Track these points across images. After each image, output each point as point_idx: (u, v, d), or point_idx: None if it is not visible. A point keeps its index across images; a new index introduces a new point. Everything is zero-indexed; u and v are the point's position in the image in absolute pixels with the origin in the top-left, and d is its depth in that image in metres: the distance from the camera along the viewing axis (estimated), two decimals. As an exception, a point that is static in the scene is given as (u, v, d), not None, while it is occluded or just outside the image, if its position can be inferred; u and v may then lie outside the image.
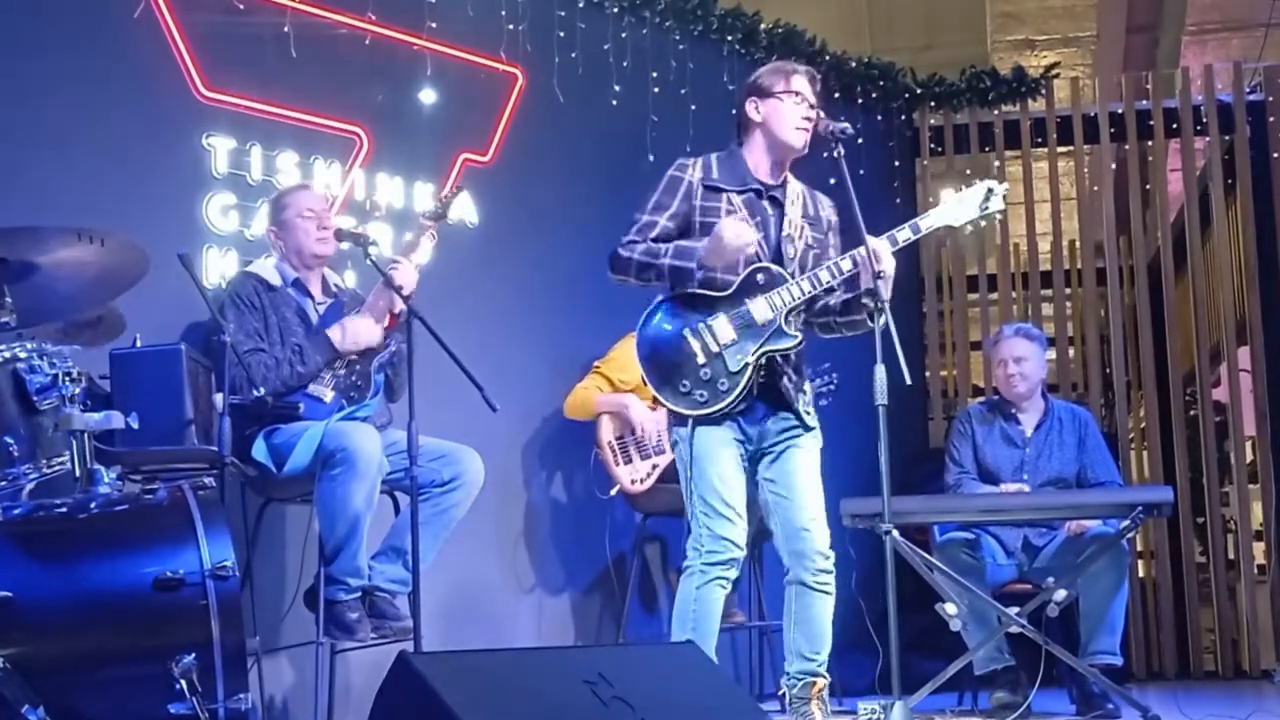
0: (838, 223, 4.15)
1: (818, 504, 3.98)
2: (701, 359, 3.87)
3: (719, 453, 3.88)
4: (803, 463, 3.99)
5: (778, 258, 3.98)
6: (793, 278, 3.94)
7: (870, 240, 3.86)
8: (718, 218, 3.92)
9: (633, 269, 3.94)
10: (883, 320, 3.72)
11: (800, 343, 3.95)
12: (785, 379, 3.96)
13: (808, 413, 4.00)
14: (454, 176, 5.49)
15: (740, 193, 3.99)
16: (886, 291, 3.85)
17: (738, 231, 3.83)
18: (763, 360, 3.91)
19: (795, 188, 4.08)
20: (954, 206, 4.06)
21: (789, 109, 3.98)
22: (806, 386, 4.04)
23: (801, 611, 3.96)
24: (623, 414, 5.41)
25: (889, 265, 3.87)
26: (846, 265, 3.90)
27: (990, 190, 4.06)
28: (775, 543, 4.02)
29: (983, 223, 4.11)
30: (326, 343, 4.40)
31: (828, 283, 3.91)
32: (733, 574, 3.90)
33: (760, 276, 3.94)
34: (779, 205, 4.03)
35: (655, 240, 3.95)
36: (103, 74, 4.59)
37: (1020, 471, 5.28)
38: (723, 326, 3.89)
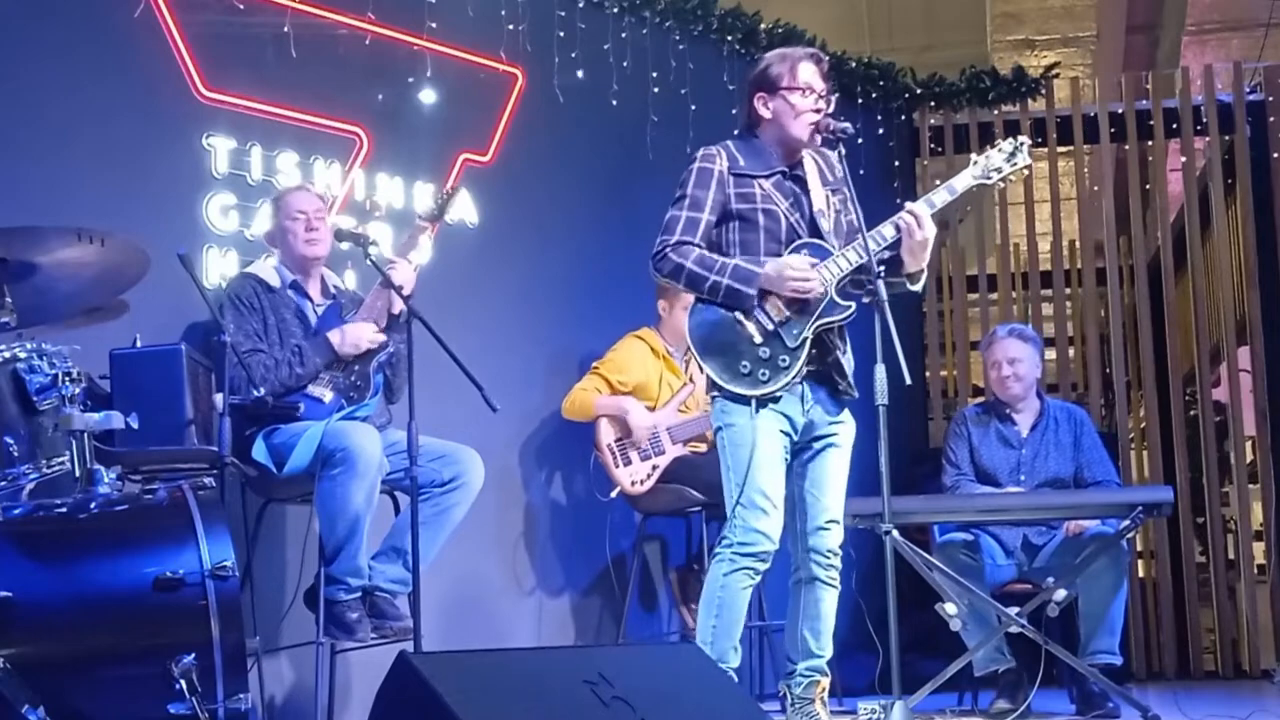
0: (844, 170, 4.08)
1: (841, 503, 4.00)
2: (758, 339, 3.85)
3: (767, 442, 3.85)
4: (839, 463, 4.00)
5: (815, 233, 3.98)
6: (835, 249, 3.94)
7: (910, 205, 3.90)
8: (753, 204, 3.94)
9: (684, 277, 3.90)
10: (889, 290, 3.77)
11: (853, 313, 3.94)
12: (836, 353, 3.96)
13: (851, 384, 3.99)
14: (454, 176, 5.49)
15: (768, 177, 3.99)
16: (925, 257, 3.90)
17: (801, 267, 3.84)
18: (817, 334, 3.90)
19: (808, 159, 4.07)
20: (983, 164, 4.05)
21: (797, 103, 3.96)
22: (850, 357, 4.02)
23: (811, 606, 3.96)
24: (621, 418, 5.40)
25: (930, 230, 3.89)
26: (890, 232, 3.89)
27: (1019, 144, 4.05)
28: (791, 535, 3.99)
29: (1012, 177, 4.08)
30: (326, 345, 4.41)
31: (873, 251, 3.84)
32: (763, 566, 3.87)
33: (805, 251, 3.94)
34: (801, 182, 4.03)
35: (702, 239, 3.92)
36: (103, 74, 4.59)
37: (1017, 473, 5.27)
38: (774, 304, 3.87)
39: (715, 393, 3.93)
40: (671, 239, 3.92)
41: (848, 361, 4.00)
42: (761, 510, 3.82)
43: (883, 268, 3.82)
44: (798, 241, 3.94)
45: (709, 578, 3.90)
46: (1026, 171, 4.11)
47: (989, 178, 4.05)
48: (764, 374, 3.84)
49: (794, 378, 3.86)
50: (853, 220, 4.02)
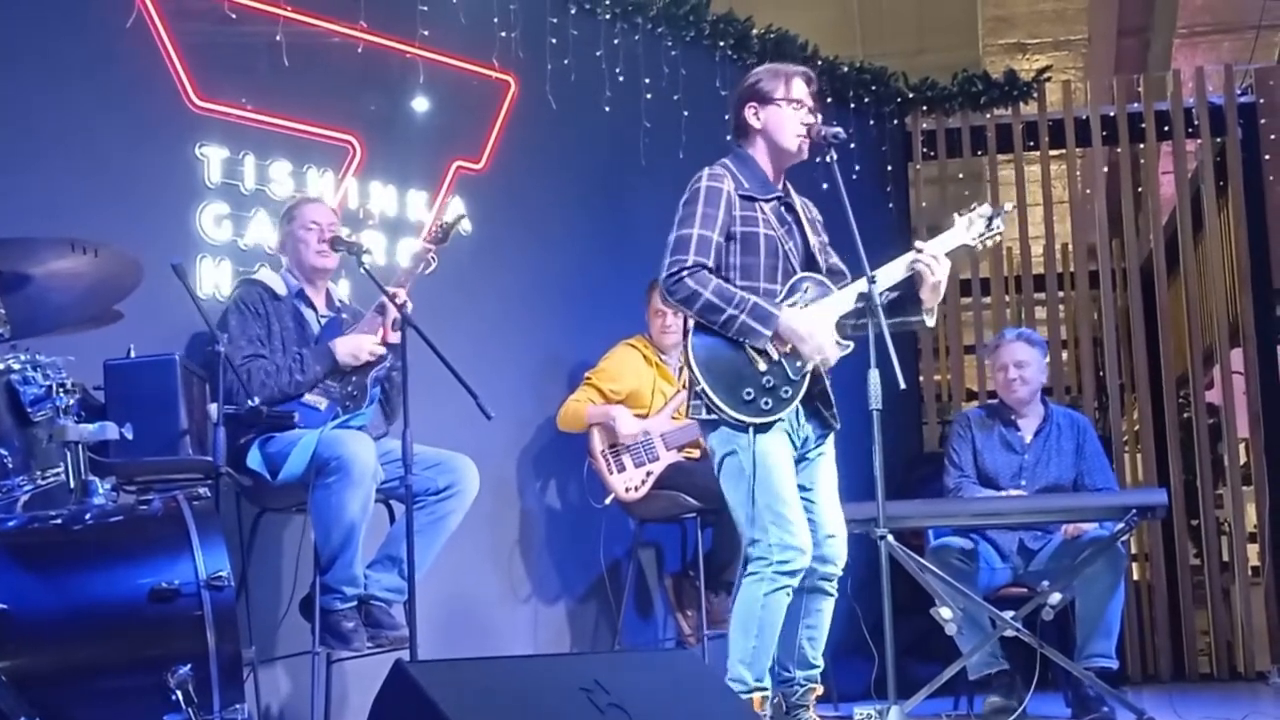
0: (820, 217, 4.17)
1: (840, 511, 4.01)
2: (763, 366, 3.84)
3: (781, 459, 3.86)
4: (830, 471, 4.02)
5: (810, 265, 4.00)
6: (833, 287, 3.96)
7: (925, 246, 3.93)
8: (755, 227, 3.93)
9: (698, 305, 3.85)
10: (923, 321, 3.90)
11: (850, 349, 3.95)
12: (825, 383, 3.96)
13: (835, 414, 4.00)
14: (447, 184, 5.50)
15: (767, 201, 3.99)
16: (942, 292, 3.94)
17: (823, 330, 3.86)
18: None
19: (793, 194, 4.10)
20: (963, 230, 4.09)
21: (789, 115, 3.98)
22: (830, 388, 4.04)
23: (812, 615, 3.97)
24: (609, 425, 5.39)
25: (944, 271, 3.92)
26: (899, 273, 3.91)
27: (999, 210, 4.09)
28: None
29: (989, 242, 4.14)
30: (328, 353, 4.41)
31: (880, 290, 3.83)
32: (797, 582, 3.86)
33: (807, 285, 3.95)
34: (794, 212, 4.04)
35: (714, 260, 3.90)
36: (95, 84, 4.59)
37: (1019, 477, 5.28)
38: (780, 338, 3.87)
39: (713, 416, 3.89)
40: (686, 260, 3.87)
41: (831, 391, 4.00)
42: (794, 523, 3.83)
43: (891, 295, 3.87)
44: (798, 275, 3.95)
45: (745, 598, 3.85)
46: (999, 238, 4.16)
47: (973, 241, 4.10)
48: (766, 403, 3.84)
49: (793, 407, 3.88)
50: (833, 264, 4.06)
